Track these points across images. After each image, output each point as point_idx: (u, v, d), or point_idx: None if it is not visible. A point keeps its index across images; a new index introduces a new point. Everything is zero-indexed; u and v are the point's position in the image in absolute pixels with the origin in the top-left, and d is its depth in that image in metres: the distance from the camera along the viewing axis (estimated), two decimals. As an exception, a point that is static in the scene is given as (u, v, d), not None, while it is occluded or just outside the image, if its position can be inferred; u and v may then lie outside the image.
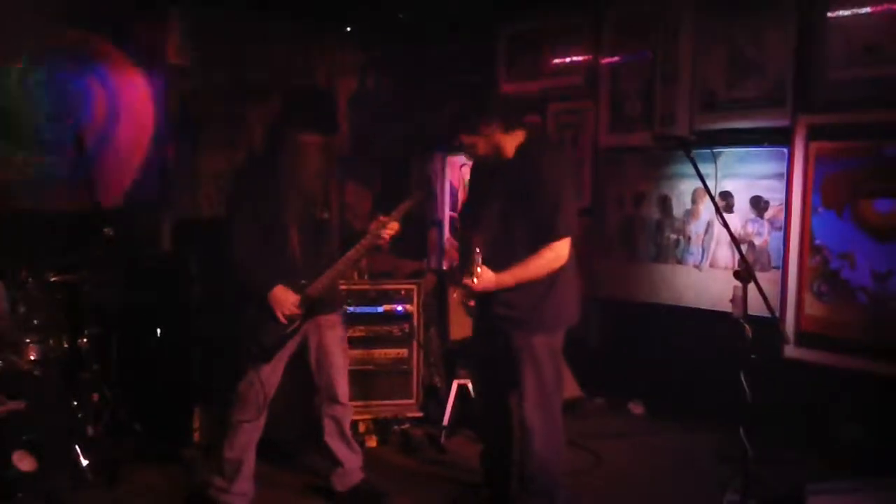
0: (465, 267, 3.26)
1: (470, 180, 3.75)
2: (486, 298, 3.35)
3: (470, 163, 3.67)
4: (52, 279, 4.15)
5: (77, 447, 3.89)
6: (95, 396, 4.27)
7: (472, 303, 3.34)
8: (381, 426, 4.73)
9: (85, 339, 4.23)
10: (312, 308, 3.60)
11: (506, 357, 3.40)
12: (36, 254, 4.25)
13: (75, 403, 4.05)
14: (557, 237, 3.24)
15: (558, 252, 3.26)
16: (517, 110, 3.98)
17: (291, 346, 3.66)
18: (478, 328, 3.63)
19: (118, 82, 5.57)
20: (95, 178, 4.19)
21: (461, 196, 6.58)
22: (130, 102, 5.64)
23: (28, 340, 4.02)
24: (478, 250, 3.19)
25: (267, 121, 5.98)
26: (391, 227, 3.56)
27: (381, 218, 3.58)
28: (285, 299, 3.53)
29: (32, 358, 4.02)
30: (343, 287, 4.55)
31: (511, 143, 3.35)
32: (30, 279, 4.05)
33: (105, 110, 5.53)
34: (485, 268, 3.20)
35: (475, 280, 3.19)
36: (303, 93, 4.43)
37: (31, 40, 5.21)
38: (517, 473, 3.53)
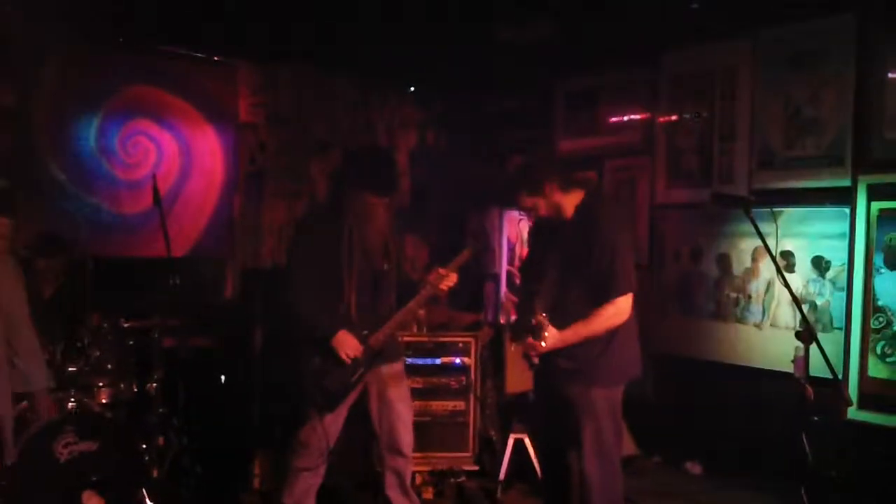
0: (528, 324, 3.28)
1: (531, 236, 3.82)
2: (547, 352, 3.39)
3: (528, 218, 3.74)
4: (125, 325, 4.30)
5: (143, 489, 3.99)
6: (161, 440, 4.39)
7: (536, 360, 3.38)
8: (437, 478, 4.75)
9: (153, 384, 4.37)
10: (374, 358, 3.67)
11: (565, 410, 3.42)
12: (109, 300, 4.42)
13: (143, 446, 4.16)
14: (618, 294, 3.28)
15: (619, 308, 3.30)
16: (573, 170, 4.05)
17: (353, 396, 3.73)
18: (538, 381, 3.66)
19: (190, 137, 5.82)
20: (167, 229, 4.33)
21: (519, 250, 6.65)
22: (201, 156, 5.87)
23: (101, 383, 4.17)
24: (544, 313, 3.24)
25: (328, 175, 6.18)
26: (449, 279, 3.64)
27: (440, 270, 3.66)
28: (348, 341, 3.62)
29: (104, 401, 4.17)
30: (401, 338, 4.64)
31: (570, 202, 3.43)
32: (104, 324, 4.21)
33: (178, 163, 5.77)
34: (551, 328, 3.25)
35: (543, 343, 3.23)
36: (367, 152, 4.57)
37: (108, 95, 5.48)
38: None
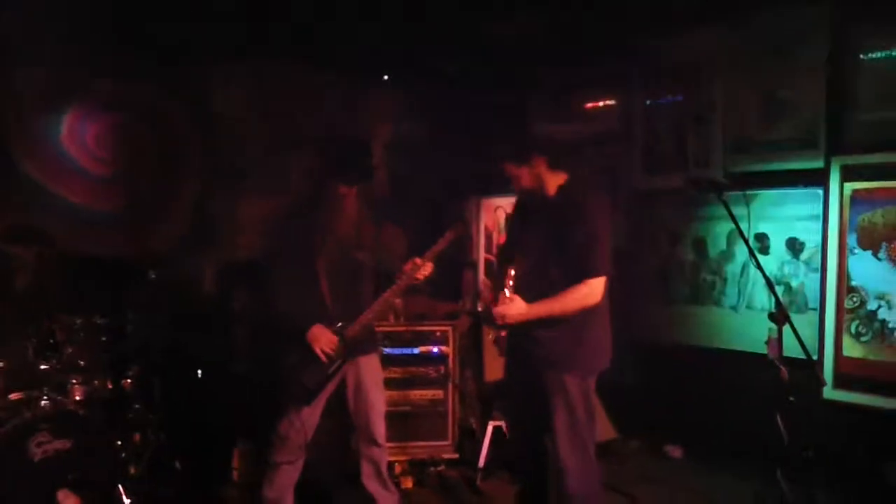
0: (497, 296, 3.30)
1: (509, 220, 3.81)
2: (519, 338, 3.39)
3: (506, 206, 3.75)
4: (99, 321, 4.25)
5: (120, 486, 3.96)
6: (137, 437, 4.36)
7: (503, 333, 3.36)
8: (416, 467, 4.75)
9: (128, 380, 4.33)
10: (351, 349, 3.67)
11: (539, 397, 3.42)
12: (82, 296, 4.36)
13: (118, 443, 4.13)
14: (593, 275, 3.27)
15: (592, 289, 3.28)
16: (564, 149, 4.03)
17: (330, 387, 3.72)
18: (510, 369, 3.65)
19: (165, 131, 5.75)
20: (142, 223, 4.29)
21: (496, 238, 6.64)
22: (177, 150, 5.81)
23: (74, 381, 4.10)
24: (511, 273, 3.24)
25: (306, 169, 6.14)
26: (425, 268, 3.64)
27: (416, 260, 3.66)
28: (323, 336, 3.61)
29: (78, 398, 4.09)
30: (379, 328, 4.63)
31: (553, 180, 3.42)
32: (77, 321, 4.16)
33: (153, 156, 5.70)
34: (517, 297, 3.25)
35: (507, 311, 3.23)
36: (338, 143, 4.54)
37: (79, 89, 5.41)
38: None
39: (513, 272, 3.30)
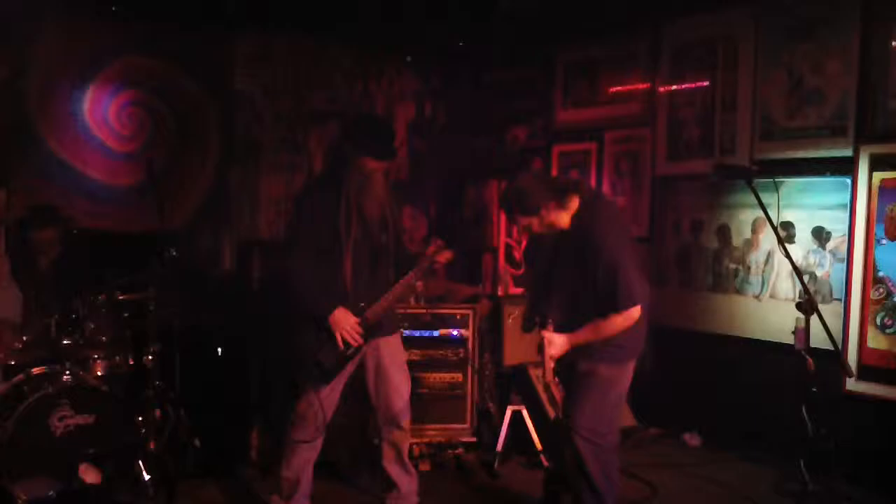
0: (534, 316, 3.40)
1: (528, 249, 3.80)
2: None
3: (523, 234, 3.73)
4: (120, 298, 4.26)
5: (139, 462, 3.99)
6: (158, 413, 4.38)
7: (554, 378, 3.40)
8: (434, 450, 4.74)
9: (149, 357, 4.34)
10: (371, 331, 3.65)
11: (569, 382, 3.42)
12: (104, 273, 4.38)
13: (139, 419, 4.15)
14: (624, 308, 3.23)
15: (627, 316, 3.25)
16: (561, 181, 4.02)
17: (350, 368, 3.71)
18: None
19: (185, 107, 5.75)
20: (163, 200, 4.29)
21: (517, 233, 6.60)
22: (196, 127, 5.81)
23: (96, 356, 4.14)
24: (550, 325, 3.30)
25: (326, 146, 6.13)
26: (447, 251, 3.61)
27: (438, 241, 3.63)
28: (345, 321, 3.58)
29: (99, 374, 4.14)
30: (399, 311, 4.62)
31: (565, 215, 3.38)
32: (98, 297, 4.17)
33: (173, 135, 5.71)
34: (553, 335, 3.28)
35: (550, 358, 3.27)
36: (365, 118, 4.50)
37: (102, 66, 5.41)
38: (572, 498, 3.52)
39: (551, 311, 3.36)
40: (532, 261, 3.84)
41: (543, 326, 3.31)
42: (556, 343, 3.28)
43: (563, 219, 3.38)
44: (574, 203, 3.37)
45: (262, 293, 4.97)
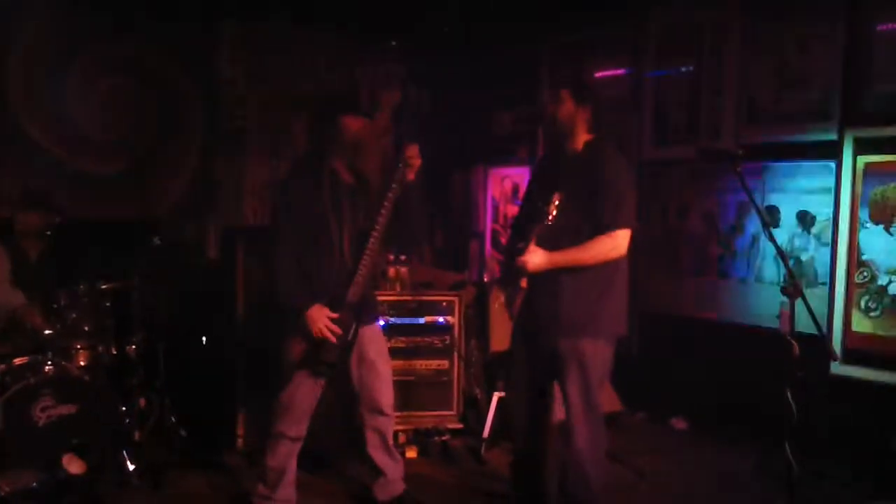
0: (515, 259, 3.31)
1: (534, 179, 3.76)
2: (536, 302, 3.35)
3: (513, 176, 3.70)
4: (103, 287, 4.23)
5: (124, 451, 3.97)
6: (142, 402, 4.36)
7: (523, 284, 3.31)
8: (421, 437, 4.74)
9: (133, 346, 4.32)
10: (357, 312, 3.57)
11: (549, 363, 3.40)
12: (87, 262, 4.34)
13: (123, 409, 4.13)
14: (617, 227, 3.27)
15: (617, 242, 3.28)
16: (586, 83, 4.00)
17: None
18: (519, 336, 3.59)
19: (169, 94, 5.70)
20: (146, 188, 4.26)
21: (503, 208, 6.59)
22: (181, 114, 5.76)
23: (78, 346, 4.11)
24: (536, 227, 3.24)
25: (308, 128, 6.08)
26: (413, 152, 3.52)
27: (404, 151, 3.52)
28: (320, 318, 3.50)
29: (82, 363, 4.11)
30: (384, 297, 4.60)
31: (581, 128, 3.43)
32: (81, 286, 4.14)
33: (155, 121, 5.65)
34: (538, 248, 3.24)
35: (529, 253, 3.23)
36: (341, 91, 4.41)
37: (85, 52, 5.35)
38: (558, 483, 3.51)
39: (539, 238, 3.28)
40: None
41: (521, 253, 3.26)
42: (537, 255, 3.24)
43: (581, 136, 3.43)
44: (590, 134, 3.45)
45: (246, 281, 4.93)
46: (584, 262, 3.28)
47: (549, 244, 3.27)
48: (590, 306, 3.33)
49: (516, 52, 6.39)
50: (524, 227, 3.40)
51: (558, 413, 3.54)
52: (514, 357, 3.65)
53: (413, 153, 3.53)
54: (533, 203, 3.46)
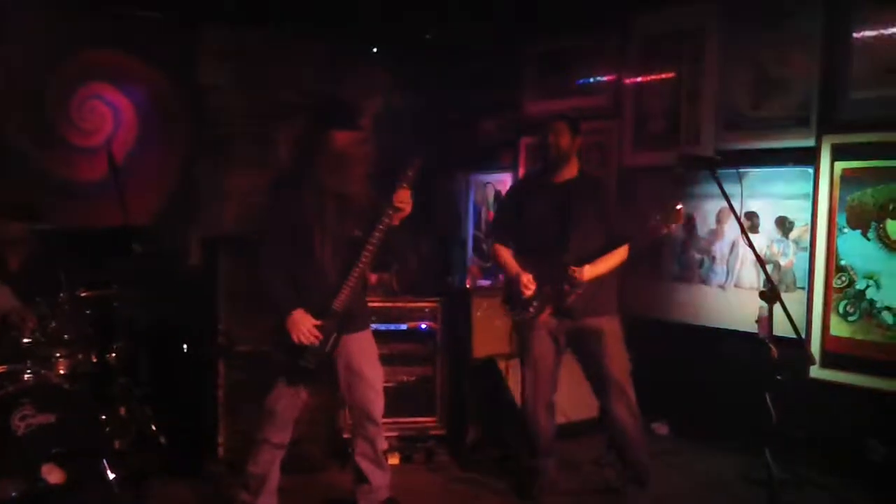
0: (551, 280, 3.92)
1: (515, 204, 4.21)
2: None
3: (495, 182, 3.84)
4: (83, 294, 4.20)
5: (104, 460, 3.92)
6: (123, 410, 4.32)
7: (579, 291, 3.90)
8: (404, 444, 4.74)
9: (113, 354, 4.29)
10: (343, 321, 3.58)
11: (593, 345, 3.97)
12: (67, 269, 4.31)
13: (103, 417, 4.09)
14: (627, 240, 4.00)
15: (625, 250, 4.02)
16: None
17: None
18: (548, 340, 4.06)
19: (149, 101, 5.67)
20: (126, 196, 4.23)
21: (485, 214, 6.61)
22: (161, 121, 5.74)
23: (58, 354, 4.06)
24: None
25: (294, 140, 6.06)
26: (403, 198, 3.51)
27: (394, 197, 3.52)
28: (302, 323, 3.51)
29: (62, 372, 4.06)
30: (367, 304, 4.58)
31: (573, 157, 4.05)
32: (61, 294, 4.10)
33: (136, 129, 5.63)
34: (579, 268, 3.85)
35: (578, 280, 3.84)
36: (328, 99, 4.43)
37: (62, 58, 5.32)
38: (625, 460, 4.03)
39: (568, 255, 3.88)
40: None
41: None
42: (585, 268, 3.84)
43: (573, 156, 4.05)
44: (575, 161, 4.10)
45: (228, 289, 4.91)
46: (613, 268, 3.98)
47: (576, 253, 3.88)
48: (612, 292, 4.05)
49: (499, 59, 6.42)
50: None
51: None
52: (539, 365, 4.07)
53: (403, 199, 3.53)
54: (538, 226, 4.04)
